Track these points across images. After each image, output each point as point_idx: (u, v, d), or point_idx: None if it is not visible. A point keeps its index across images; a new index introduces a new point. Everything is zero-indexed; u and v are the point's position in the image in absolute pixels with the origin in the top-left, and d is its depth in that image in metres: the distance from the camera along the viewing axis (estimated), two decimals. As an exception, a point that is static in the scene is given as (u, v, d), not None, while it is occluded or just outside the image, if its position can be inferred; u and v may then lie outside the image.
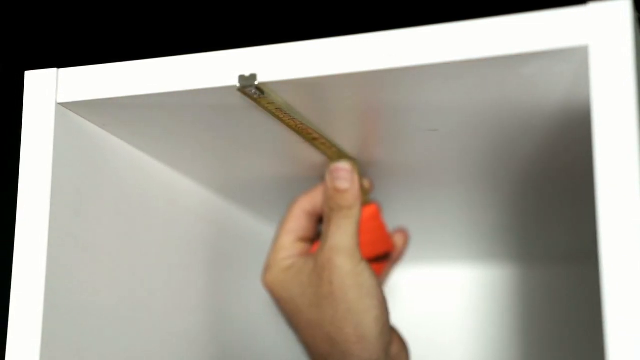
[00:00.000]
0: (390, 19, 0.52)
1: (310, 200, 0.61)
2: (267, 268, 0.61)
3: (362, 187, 0.58)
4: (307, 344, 0.58)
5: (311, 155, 0.57)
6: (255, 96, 0.46)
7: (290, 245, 0.60)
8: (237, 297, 0.72)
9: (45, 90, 0.49)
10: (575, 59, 0.42)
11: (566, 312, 0.86)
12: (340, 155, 0.57)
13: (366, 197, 0.61)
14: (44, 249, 0.48)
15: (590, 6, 0.41)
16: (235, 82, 0.46)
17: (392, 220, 0.70)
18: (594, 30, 0.41)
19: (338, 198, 0.56)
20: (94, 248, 0.53)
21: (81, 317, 0.51)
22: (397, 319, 0.64)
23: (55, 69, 0.50)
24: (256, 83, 0.45)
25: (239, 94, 0.47)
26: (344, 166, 0.57)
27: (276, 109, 0.48)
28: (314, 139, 0.53)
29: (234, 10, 0.87)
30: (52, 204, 0.49)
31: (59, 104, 0.49)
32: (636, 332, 0.38)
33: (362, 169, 0.60)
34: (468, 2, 0.76)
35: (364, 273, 0.55)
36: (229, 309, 0.70)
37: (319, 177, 0.61)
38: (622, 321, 0.38)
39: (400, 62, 0.44)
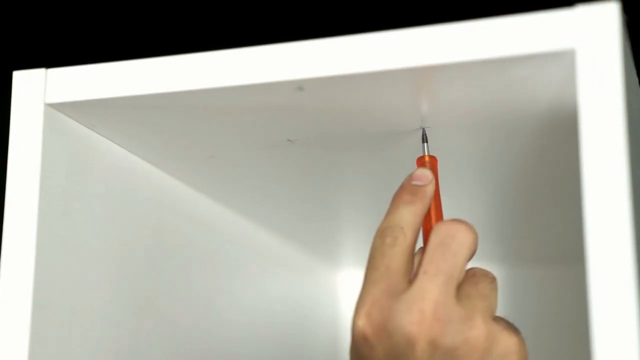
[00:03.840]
0: (375, 22, 0.52)
1: None
2: None
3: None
4: None
5: (300, 154, 0.58)
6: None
7: None
8: (229, 298, 0.72)
9: (33, 91, 0.49)
10: (563, 62, 0.42)
11: (554, 313, 0.87)
12: None
13: None
14: (32, 250, 0.48)
15: (577, 9, 0.41)
16: (220, 83, 0.46)
17: (379, 220, 0.70)
18: (581, 34, 0.41)
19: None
20: (82, 249, 0.52)
21: (69, 318, 0.51)
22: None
23: (43, 69, 0.50)
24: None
25: (228, 94, 0.47)
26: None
27: None
28: None
29: (227, 9, 0.86)
30: (40, 205, 0.48)
31: (47, 104, 0.49)
32: (622, 333, 0.38)
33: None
34: (455, 5, 0.76)
35: None
36: (221, 309, 0.70)
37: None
38: (608, 322, 0.38)
39: (390, 64, 0.44)
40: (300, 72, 0.45)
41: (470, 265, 0.48)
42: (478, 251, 0.89)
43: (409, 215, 0.48)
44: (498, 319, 0.46)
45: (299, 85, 0.46)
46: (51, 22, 0.89)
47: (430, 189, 0.50)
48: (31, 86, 0.49)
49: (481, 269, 0.48)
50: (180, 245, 0.65)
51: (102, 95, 0.48)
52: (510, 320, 0.47)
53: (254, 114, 0.51)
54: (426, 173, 0.50)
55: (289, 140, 0.55)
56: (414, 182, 0.50)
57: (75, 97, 0.49)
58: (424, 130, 0.52)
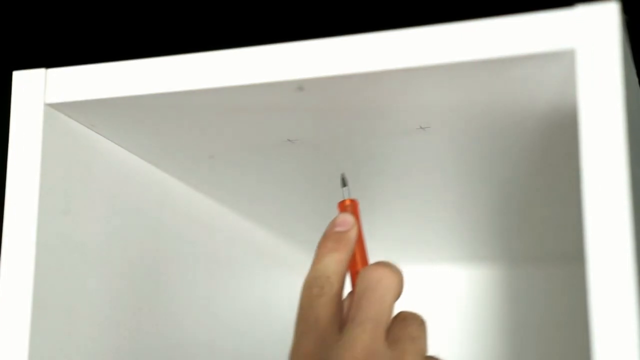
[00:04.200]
0: (375, 22, 0.52)
1: None
2: None
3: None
4: None
5: (300, 154, 0.58)
6: None
7: None
8: (229, 298, 0.72)
9: (33, 91, 0.49)
10: (563, 62, 0.42)
11: (554, 312, 0.87)
12: None
13: None
14: (32, 249, 0.48)
15: (577, 9, 0.41)
16: (220, 83, 0.46)
17: (379, 220, 0.70)
18: (581, 34, 0.41)
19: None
20: (82, 249, 0.53)
21: (69, 318, 0.51)
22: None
23: (43, 69, 0.50)
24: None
25: (229, 94, 0.47)
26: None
27: None
28: None
29: (227, 9, 0.87)
30: (40, 205, 0.49)
31: (47, 104, 0.49)
32: (622, 332, 0.38)
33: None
34: (455, 5, 0.76)
35: None
36: (221, 310, 0.70)
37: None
38: (608, 321, 0.38)
39: (390, 64, 0.44)
40: (300, 72, 0.45)
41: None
42: (479, 251, 0.90)
43: (334, 264, 0.49)
44: (429, 359, 0.47)
45: (299, 85, 0.46)
46: (51, 22, 0.89)
47: (353, 234, 0.50)
48: (31, 86, 0.49)
49: (410, 312, 0.49)
50: (180, 245, 0.65)
51: (102, 95, 0.48)
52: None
53: (254, 114, 0.51)
54: (348, 218, 0.51)
55: (289, 140, 0.55)
56: (336, 229, 0.50)
57: (75, 97, 0.49)
58: (343, 175, 0.53)
